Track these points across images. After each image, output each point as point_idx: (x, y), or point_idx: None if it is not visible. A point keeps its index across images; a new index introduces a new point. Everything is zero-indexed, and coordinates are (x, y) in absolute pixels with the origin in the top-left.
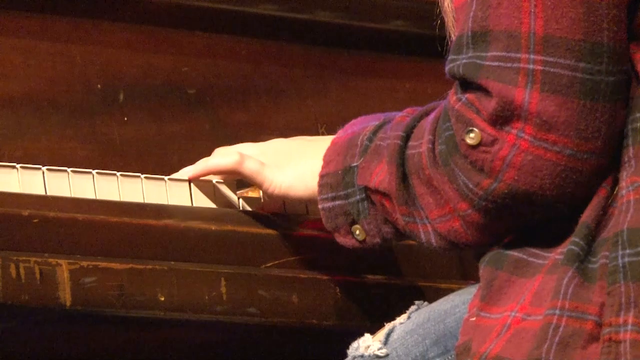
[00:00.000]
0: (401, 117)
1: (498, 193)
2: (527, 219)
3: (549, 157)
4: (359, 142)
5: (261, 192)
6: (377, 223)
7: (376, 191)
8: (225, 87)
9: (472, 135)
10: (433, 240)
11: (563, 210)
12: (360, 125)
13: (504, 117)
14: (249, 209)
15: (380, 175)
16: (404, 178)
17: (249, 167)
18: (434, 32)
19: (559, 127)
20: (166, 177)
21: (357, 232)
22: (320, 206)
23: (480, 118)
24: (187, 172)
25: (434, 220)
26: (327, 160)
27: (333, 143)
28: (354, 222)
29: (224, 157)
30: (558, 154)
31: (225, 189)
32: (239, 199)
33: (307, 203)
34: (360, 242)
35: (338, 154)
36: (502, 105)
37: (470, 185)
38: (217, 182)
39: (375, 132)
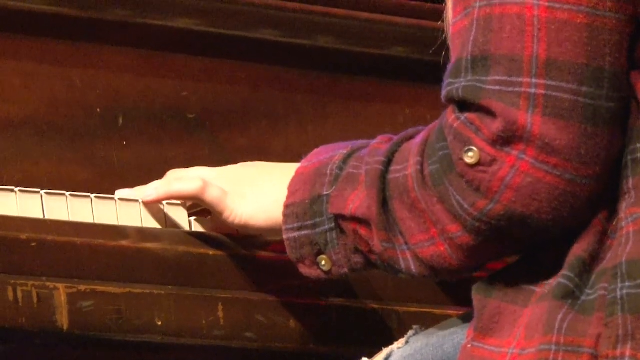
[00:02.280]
0: (377, 144)
1: (493, 214)
2: (517, 244)
3: (548, 181)
4: (328, 172)
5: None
6: (347, 253)
7: (352, 218)
8: (225, 111)
9: (470, 154)
10: (412, 267)
11: (555, 236)
12: (326, 155)
13: (505, 137)
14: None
15: (357, 202)
16: (384, 203)
17: (212, 195)
18: (434, 58)
19: (560, 151)
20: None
21: (323, 262)
22: (285, 236)
23: (480, 138)
24: (147, 195)
25: (415, 245)
26: (293, 190)
27: (298, 173)
28: (320, 253)
29: (186, 183)
30: (558, 178)
31: (174, 214)
32: (189, 217)
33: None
34: (325, 272)
35: (305, 183)
36: (506, 126)
37: (465, 206)
38: (167, 203)
39: (345, 160)
